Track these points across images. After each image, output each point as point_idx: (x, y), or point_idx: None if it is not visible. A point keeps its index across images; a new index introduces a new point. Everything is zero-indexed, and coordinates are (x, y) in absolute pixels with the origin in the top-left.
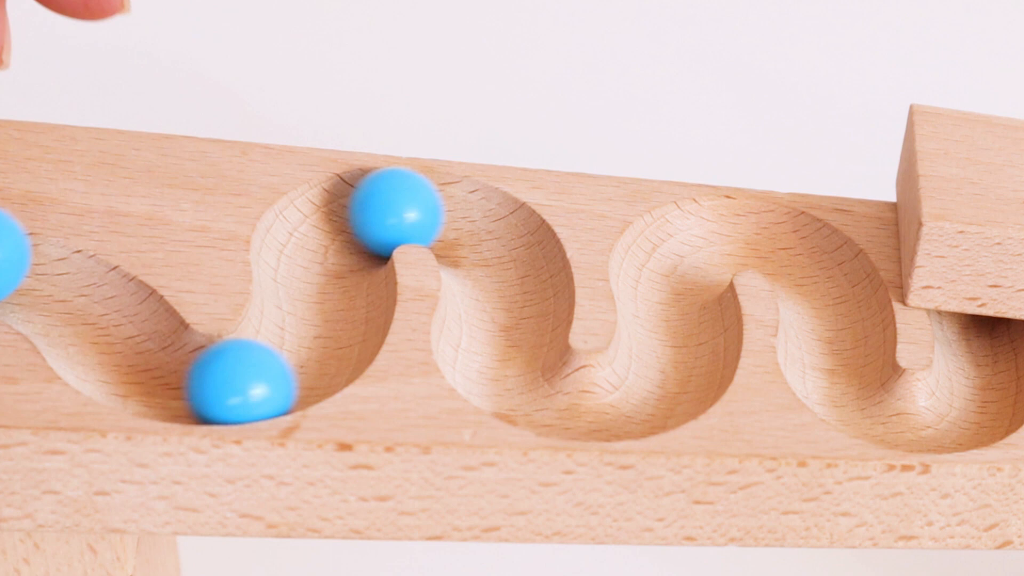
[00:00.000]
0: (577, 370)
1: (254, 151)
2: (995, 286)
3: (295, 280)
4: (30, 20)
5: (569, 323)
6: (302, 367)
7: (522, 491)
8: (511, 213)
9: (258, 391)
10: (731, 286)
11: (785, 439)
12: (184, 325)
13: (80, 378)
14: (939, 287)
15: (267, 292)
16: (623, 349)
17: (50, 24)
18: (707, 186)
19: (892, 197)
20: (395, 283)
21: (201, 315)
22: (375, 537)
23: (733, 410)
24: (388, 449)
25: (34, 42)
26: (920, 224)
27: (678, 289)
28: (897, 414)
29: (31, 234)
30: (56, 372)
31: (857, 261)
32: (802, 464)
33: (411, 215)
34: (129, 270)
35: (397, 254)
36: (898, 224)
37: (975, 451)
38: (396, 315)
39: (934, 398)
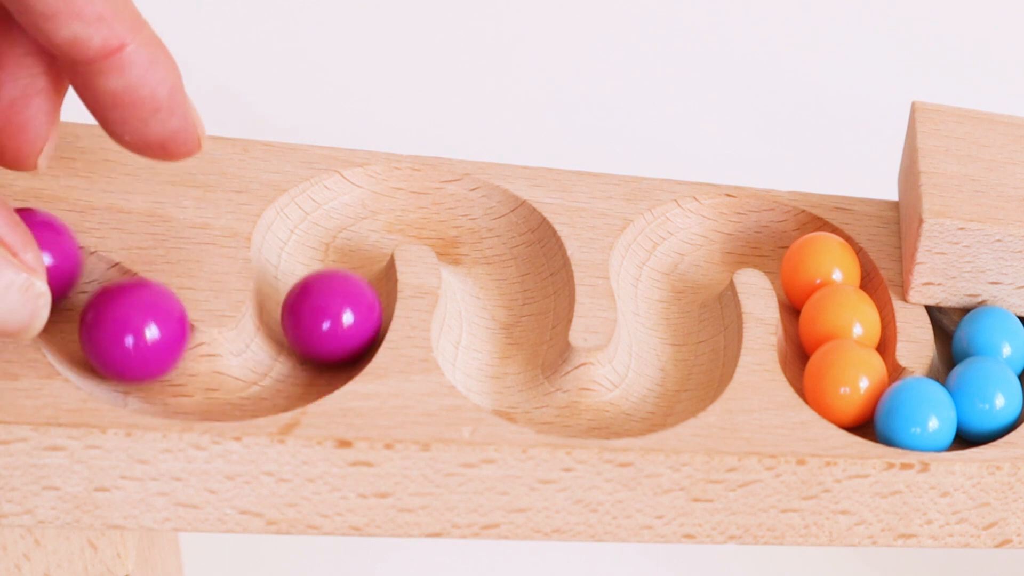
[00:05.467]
0: (577, 368)
1: (255, 148)
2: (995, 283)
3: (296, 278)
4: None
5: (569, 321)
6: (302, 365)
7: (521, 488)
8: (512, 211)
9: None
10: (731, 284)
11: (784, 437)
12: None
13: (80, 375)
14: (939, 283)
15: (268, 289)
16: (623, 347)
17: None
18: (708, 184)
19: (893, 196)
20: (395, 280)
21: (201, 312)
22: (374, 534)
23: (733, 408)
24: (388, 446)
25: None
26: (921, 220)
27: (678, 287)
28: None
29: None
30: (56, 368)
31: (858, 259)
32: (801, 462)
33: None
34: (130, 267)
35: (398, 251)
36: (899, 221)
37: (974, 449)
38: (396, 312)
39: None
